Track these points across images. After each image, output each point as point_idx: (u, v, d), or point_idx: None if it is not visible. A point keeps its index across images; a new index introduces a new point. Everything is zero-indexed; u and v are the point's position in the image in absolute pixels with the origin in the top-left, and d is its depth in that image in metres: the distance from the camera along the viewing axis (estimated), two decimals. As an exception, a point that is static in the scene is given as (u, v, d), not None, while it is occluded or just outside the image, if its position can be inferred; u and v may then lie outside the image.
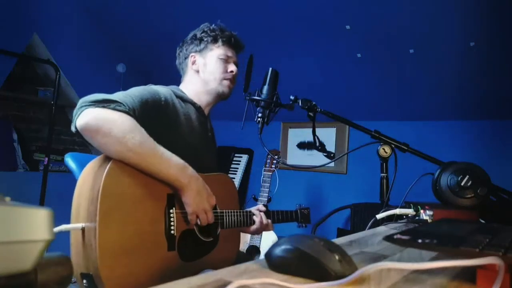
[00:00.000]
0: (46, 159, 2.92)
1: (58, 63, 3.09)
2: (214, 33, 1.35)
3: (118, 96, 1.03)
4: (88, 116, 0.95)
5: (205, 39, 1.35)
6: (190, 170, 1.07)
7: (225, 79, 1.34)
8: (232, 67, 1.35)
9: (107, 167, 0.93)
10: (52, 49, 3.17)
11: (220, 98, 1.36)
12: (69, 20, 3.17)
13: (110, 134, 0.94)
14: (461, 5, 2.12)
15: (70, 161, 1.27)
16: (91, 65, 3.42)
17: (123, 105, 1.00)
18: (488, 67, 2.40)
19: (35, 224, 0.33)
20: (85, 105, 0.97)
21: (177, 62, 1.43)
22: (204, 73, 1.34)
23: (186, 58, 1.38)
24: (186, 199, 1.06)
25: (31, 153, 3.36)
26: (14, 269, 0.32)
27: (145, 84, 1.25)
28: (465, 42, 2.30)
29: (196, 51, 1.36)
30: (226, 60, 1.35)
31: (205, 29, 1.36)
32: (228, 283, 0.47)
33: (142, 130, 1.00)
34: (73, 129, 0.99)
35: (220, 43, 1.35)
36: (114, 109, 0.97)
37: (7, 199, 0.35)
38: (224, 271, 0.55)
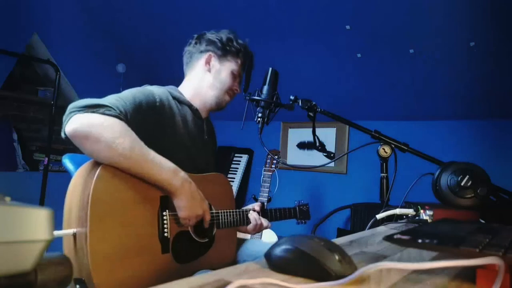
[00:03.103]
0: (46, 159, 2.93)
1: (58, 63, 3.09)
2: (238, 47, 1.33)
3: (109, 100, 1.01)
4: (77, 122, 0.94)
5: (229, 48, 1.32)
6: (182, 173, 1.05)
7: (228, 93, 1.34)
8: (237, 86, 1.36)
9: (97, 172, 0.93)
10: (52, 49, 3.17)
11: (216, 107, 1.35)
12: (69, 20, 3.17)
13: (99, 140, 0.93)
14: (461, 5, 2.12)
15: (68, 162, 1.27)
16: (91, 65, 3.42)
17: (113, 109, 0.98)
18: (488, 67, 2.40)
19: (35, 224, 0.33)
20: (74, 111, 0.95)
21: (187, 49, 1.38)
22: (214, 78, 1.32)
23: (201, 52, 1.34)
24: (179, 203, 1.05)
25: (31, 153, 3.36)
26: (14, 269, 0.32)
27: (145, 84, 1.25)
28: (465, 42, 2.30)
29: (215, 53, 1.33)
30: (236, 77, 1.34)
31: (232, 38, 1.34)
32: (228, 283, 0.47)
33: (133, 134, 0.98)
34: (62, 135, 0.97)
35: (239, 60, 1.34)
36: (103, 113, 0.95)
37: (7, 199, 0.35)
38: (224, 271, 0.55)
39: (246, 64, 1.37)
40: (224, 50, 1.32)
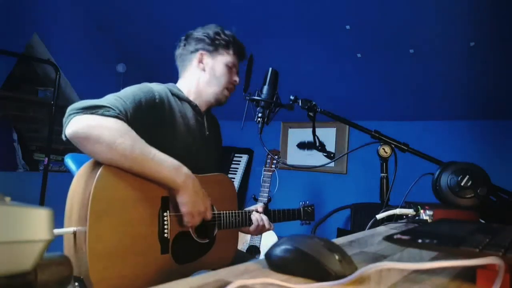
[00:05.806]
0: (46, 159, 2.92)
1: (58, 63, 3.08)
2: (227, 39, 1.33)
3: (108, 100, 1.01)
4: (76, 124, 0.94)
5: (218, 42, 1.32)
6: (185, 169, 1.06)
7: (227, 88, 1.33)
8: (236, 77, 1.35)
9: (99, 171, 0.93)
10: (52, 49, 3.17)
11: (215, 103, 1.35)
12: (69, 20, 3.17)
13: (99, 141, 0.93)
14: (461, 5, 2.12)
15: (70, 161, 1.27)
16: (91, 65, 3.42)
17: (113, 109, 0.98)
18: (488, 67, 2.40)
19: (35, 224, 0.33)
20: (73, 113, 0.96)
21: (177, 52, 1.38)
22: (210, 75, 1.31)
23: (192, 52, 1.33)
24: (182, 198, 1.05)
25: (31, 153, 3.36)
26: (14, 269, 0.32)
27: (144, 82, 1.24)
28: (465, 42, 2.30)
29: (205, 50, 1.32)
30: (231, 69, 1.34)
31: (219, 31, 1.33)
32: (228, 283, 0.47)
33: (133, 133, 0.99)
34: (63, 137, 0.98)
35: (231, 50, 1.33)
36: (102, 114, 0.96)
37: (7, 199, 0.35)
38: (224, 271, 0.55)
39: (241, 51, 1.36)
40: (214, 45, 1.32)
